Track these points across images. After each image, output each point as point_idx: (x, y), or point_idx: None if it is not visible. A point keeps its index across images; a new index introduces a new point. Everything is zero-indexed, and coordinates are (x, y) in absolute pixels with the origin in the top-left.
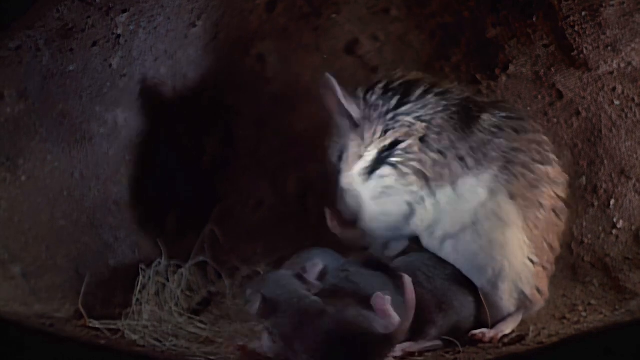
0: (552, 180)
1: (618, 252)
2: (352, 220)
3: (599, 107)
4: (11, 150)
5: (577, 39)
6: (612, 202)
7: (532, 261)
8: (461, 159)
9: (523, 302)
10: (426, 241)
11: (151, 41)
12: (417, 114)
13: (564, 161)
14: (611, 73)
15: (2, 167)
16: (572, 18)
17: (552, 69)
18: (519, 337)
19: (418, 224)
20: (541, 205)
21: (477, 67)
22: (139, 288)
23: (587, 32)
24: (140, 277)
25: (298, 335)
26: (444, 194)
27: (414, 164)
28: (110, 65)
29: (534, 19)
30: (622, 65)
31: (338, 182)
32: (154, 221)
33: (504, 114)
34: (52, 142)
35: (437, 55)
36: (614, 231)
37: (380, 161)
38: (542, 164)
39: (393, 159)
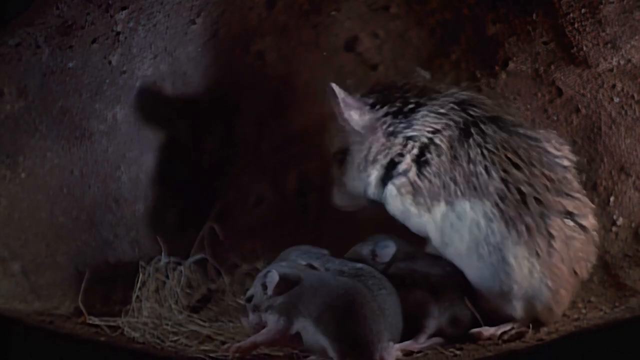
0: (569, 212)
1: (618, 249)
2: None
3: (599, 104)
4: (11, 148)
5: (576, 36)
6: (612, 199)
7: (547, 286)
8: (457, 183)
9: (533, 315)
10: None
11: (151, 38)
12: (412, 133)
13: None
14: (611, 70)
15: (2, 165)
16: (571, 15)
17: (552, 66)
18: (518, 334)
19: (430, 236)
20: (551, 235)
21: (477, 64)
22: (138, 285)
23: (587, 30)
24: (140, 274)
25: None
26: (442, 214)
27: (410, 188)
28: (110, 62)
29: (534, 16)
30: (622, 62)
31: (336, 175)
32: (154, 218)
33: (506, 149)
34: (52, 139)
35: (436, 52)
36: (614, 228)
37: (384, 179)
38: (553, 195)
39: (394, 181)
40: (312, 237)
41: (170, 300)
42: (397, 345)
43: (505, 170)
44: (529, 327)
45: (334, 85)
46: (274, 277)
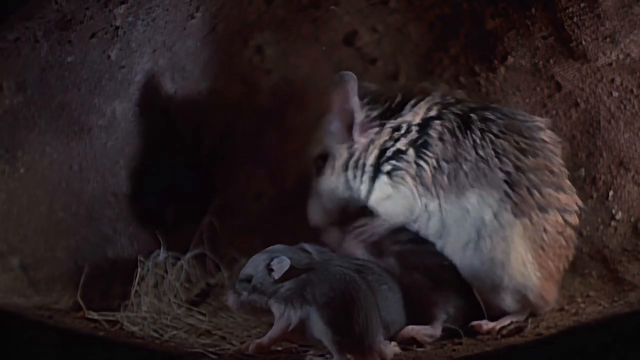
0: (563, 207)
1: (617, 243)
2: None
3: (598, 98)
4: (10, 143)
5: (575, 31)
6: (611, 193)
7: (537, 277)
8: (464, 173)
9: (527, 305)
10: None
11: (149, 33)
12: (404, 119)
13: (562, 153)
14: (610, 64)
15: (0, 160)
16: (571, 9)
17: (551, 61)
18: (517, 329)
19: (423, 229)
20: (545, 230)
21: (476, 59)
22: (137, 280)
23: (586, 24)
24: (139, 269)
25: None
26: (448, 204)
27: (410, 171)
28: (109, 57)
29: (533, 11)
30: (621, 56)
31: (316, 182)
32: (153, 213)
33: (511, 133)
34: (51, 134)
35: (435, 46)
36: (613, 223)
37: (377, 169)
38: (552, 188)
39: (387, 167)
40: (310, 231)
41: (170, 295)
42: (415, 328)
43: (515, 157)
44: (527, 321)
45: (350, 75)
46: (285, 264)
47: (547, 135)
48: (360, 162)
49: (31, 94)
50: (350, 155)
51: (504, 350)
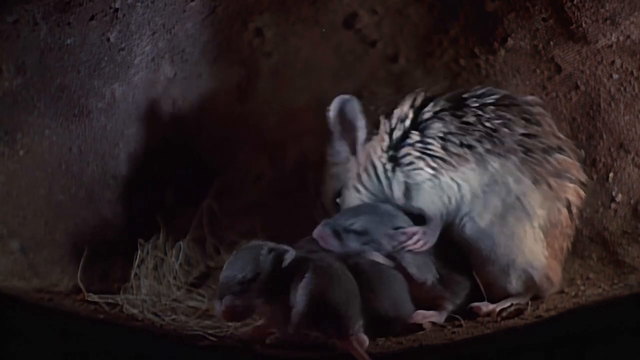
0: (577, 178)
1: (617, 226)
2: None
3: (598, 80)
4: (9, 125)
5: (576, 13)
6: (611, 175)
7: (544, 255)
8: (477, 140)
9: (532, 286)
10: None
11: (149, 15)
12: (394, 117)
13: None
14: (610, 46)
15: (0, 142)
16: None
17: (551, 43)
18: (517, 311)
19: (459, 204)
20: (569, 201)
21: (476, 41)
22: (137, 262)
23: (586, 6)
24: (139, 252)
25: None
26: (471, 172)
27: (418, 154)
28: (108, 40)
29: None
30: (621, 38)
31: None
32: (153, 196)
33: (510, 105)
34: (50, 116)
35: (435, 28)
36: (613, 205)
37: (388, 171)
38: (563, 154)
39: (394, 163)
40: (310, 214)
41: (169, 277)
42: (424, 313)
43: (522, 125)
44: (527, 304)
45: (354, 100)
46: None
47: (539, 110)
48: (371, 170)
49: (30, 76)
50: (360, 169)
51: (504, 332)
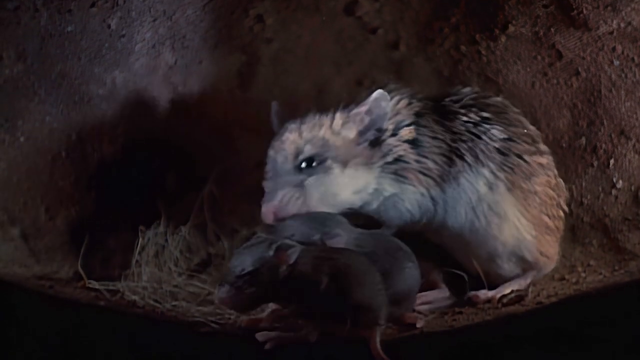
0: (545, 168)
1: (617, 212)
2: None
3: (599, 67)
4: (10, 112)
5: None
6: (612, 162)
7: (531, 235)
8: (460, 156)
9: (527, 266)
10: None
11: (150, 2)
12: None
13: (563, 122)
14: (611, 33)
15: (0, 129)
16: None
17: (552, 29)
18: (518, 298)
19: (424, 222)
20: (536, 192)
21: (477, 28)
22: (138, 249)
23: None
24: (140, 239)
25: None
26: (451, 190)
27: (413, 167)
28: (109, 26)
29: None
30: (622, 25)
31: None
32: (153, 182)
33: (485, 112)
34: (51, 103)
35: (436, 15)
36: (614, 191)
37: (382, 174)
38: (535, 155)
39: (390, 169)
40: None
41: (170, 264)
42: (432, 293)
43: (507, 124)
44: (528, 290)
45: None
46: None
47: (511, 108)
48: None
49: (31, 63)
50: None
51: (505, 319)
